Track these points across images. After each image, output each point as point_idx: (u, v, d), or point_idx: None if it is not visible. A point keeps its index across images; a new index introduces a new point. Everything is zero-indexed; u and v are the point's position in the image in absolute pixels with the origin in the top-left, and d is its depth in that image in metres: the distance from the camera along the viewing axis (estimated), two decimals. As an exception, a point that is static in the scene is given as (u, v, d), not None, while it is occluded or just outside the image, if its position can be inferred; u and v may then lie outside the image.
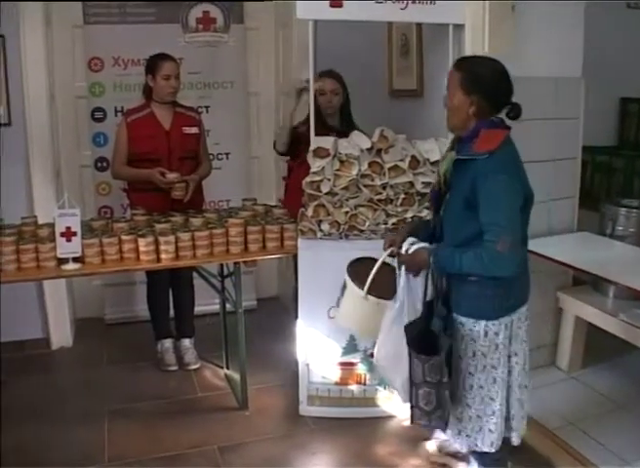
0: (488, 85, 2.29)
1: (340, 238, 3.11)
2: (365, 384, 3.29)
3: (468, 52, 3.31)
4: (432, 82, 3.66)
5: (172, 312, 4.01)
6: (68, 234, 2.93)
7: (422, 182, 3.07)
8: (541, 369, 3.62)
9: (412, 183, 3.08)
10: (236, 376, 3.49)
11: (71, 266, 2.97)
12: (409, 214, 3.09)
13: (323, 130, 3.29)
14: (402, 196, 3.08)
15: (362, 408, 3.30)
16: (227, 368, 3.82)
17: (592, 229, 3.69)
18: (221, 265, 3.57)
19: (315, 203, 3.07)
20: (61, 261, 2.98)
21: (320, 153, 3.03)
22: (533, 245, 3.40)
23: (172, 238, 3.04)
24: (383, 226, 3.10)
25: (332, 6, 3.10)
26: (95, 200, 4.44)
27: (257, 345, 3.87)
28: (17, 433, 3.24)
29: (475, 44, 3.27)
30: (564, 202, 3.67)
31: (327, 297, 3.10)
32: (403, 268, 2.44)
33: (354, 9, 3.12)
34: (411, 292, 2.46)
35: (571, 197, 3.71)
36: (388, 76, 4.13)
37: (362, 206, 3.09)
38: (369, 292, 2.52)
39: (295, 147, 3.50)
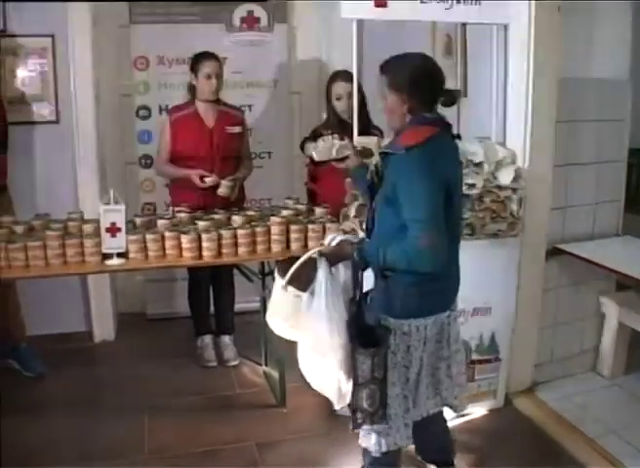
0: (411, 82, 2.28)
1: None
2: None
3: (513, 52, 3.30)
4: (476, 82, 3.63)
5: (212, 309, 4.05)
6: (113, 230, 2.98)
7: (466, 184, 3.02)
8: (582, 375, 3.58)
9: (455, 184, 3.05)
10: (274, 374, 3.52)
11: (115, 261, 3.02)
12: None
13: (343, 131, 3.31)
14: (444, 197, 3.05)
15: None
16: (266, 365, 3.85)
17: (638, 233, 3.63)
18: (262, 263, 3.58)
19: (358, 203, 3.06)
20: (106, 256, 3.02)
21: (364, 153, 3.03)
22: (576, 248, 3.39)
23: (214, 235, 3.06)
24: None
25: (376, 5, 3.10)
26: (138, 196, 4.51)
27: (295, 343, 3.87)
28: (58, 424, 3.31)
29: (520, 45, 3.25)
30: (609, 205, 3.63)
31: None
32: (323, 260, 2.38)
33: (398, 9, 3.11)
34: (336, 287, 2.37)
35: (616, 200, 3.66)
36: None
37: (405, 206, 3.07)
38: (289, 283, 2.44)
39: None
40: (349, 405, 2.36)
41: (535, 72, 3.24)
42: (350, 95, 3.40)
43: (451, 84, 3.85)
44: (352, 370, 2.30)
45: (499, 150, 3.21)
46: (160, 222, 3.18)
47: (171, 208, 3.69)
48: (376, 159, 2.45)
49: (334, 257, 2.40)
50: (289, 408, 3.44)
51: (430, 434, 2.63)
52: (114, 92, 4.49)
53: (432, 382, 2.49)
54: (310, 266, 2.41)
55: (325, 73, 4.38)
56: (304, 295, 2.40)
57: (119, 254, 3.02)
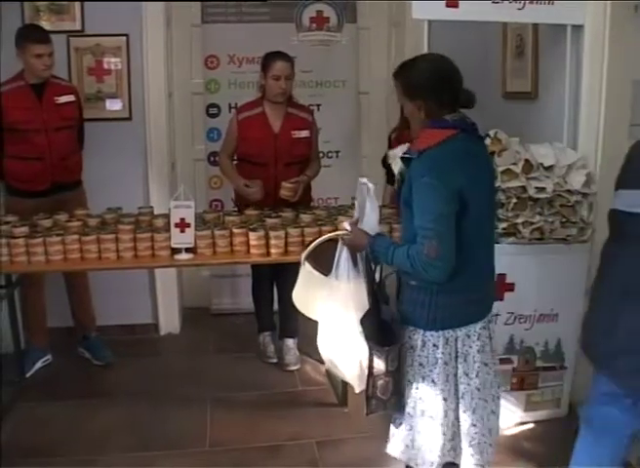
0: (423, 87, 2.22)
1: (450, 241, 3.07)
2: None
3: (587, 54, 3.23)
4: (548, 84, 3.57)
5: (276, 306, 4.08)
6: (182, 225, 3.04)
7: (536, 187, 2.99)
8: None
9: (524, 188, 3.00)
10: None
11: (184, 256, 3.08)
12: (520, 220, 3.02)
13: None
14: (514, 200, 3.00)
15: (461, 413, 3.26)
16: (328, 364, 3.86)
17: None
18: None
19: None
20: (174, 251, 3.09)
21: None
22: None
23: (282, 233, 3.08)
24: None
25: (447, 6, 3.09)
26: (206, 193, 4.60)
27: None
28: (124, 411, 3.42)
29: (595, 46, 3.19)
30: None
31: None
32: (343, 245, 2.38)
33: (470, 9, 3.09)
34: (360, 274, 2.38)
35: None
36: (502, 77, 4.04)
37: (473, 209, 3.05)
38: (307, 260, 2.48)
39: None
40: (367, 391, 2.33)
41: (609, 74, 3.17)
42: None
43: (521, 86, 3.81)
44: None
45: (570, 154, 3.15)
46: (229, 219, 3.23)
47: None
48: (398, 166, 2.42)
49: (351, 244, 2.38)
50: (350, 407, 3.43)
51: None
52: (185, 90, 4.58)
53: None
54: (332, 249, 2.42)
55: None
56: (328, 279, 2.42)
57: (187, 250, 3.08)
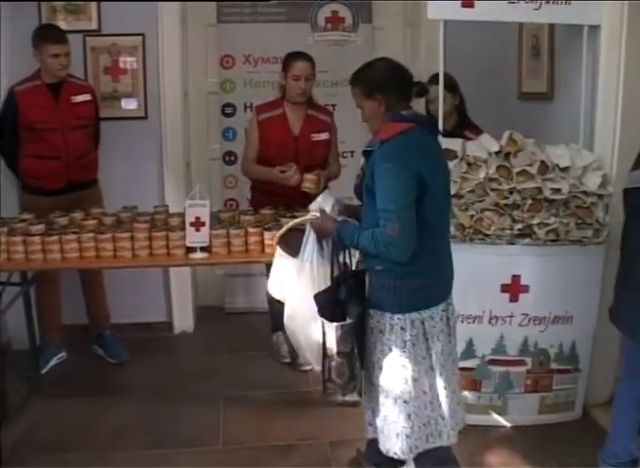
0: (381, 83, 2.41)
1: (465, 241, 3.06)
2: (480, 391, 3.23)
3: (604, 54, 3.21)
4: (564, 85, 3.56)
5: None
6: (197, 224, 3.05)
7: (551, 189, 2.98)
8: None
9: (540, 189, 2.99)
10: (350, 373, 3.52)
11: (199, 255, 3.09)
12: (535, 221, 3.00)
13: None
14: (529, 202, 3.00)
15: (475, 415, 3.22)
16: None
17: None
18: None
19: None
20: (189, 250, 3.11)
21: (448, 155, 3.01)
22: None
23: (296, 233, 3.09)
24: (509, 232, 3.04)
25: (463, 6, 3.09)
26: (221, 192, 4.61)
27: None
28: (138, 408, 3.44)
29: (611, 46, 3.17)
30: None
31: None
32: (311, 230, 2.53)
33: (486, 9, 3.09)
34: (324, 258, 2.51)
35: None
36: (517, 78, 4.04)
37: (488, 210, 3.03)
38: (279, 244, 2.66)
39: None
40: (322, 373, 2.46)
41: (625, 74, 3.15)
42: (445, 98, 3.44)
43: (537, 86, 3.80)
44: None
45: (585, 155, 3.14)
46: (244, 218, 3.24)
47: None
48: (362, 161, 2.58)
49: (318, 229, 2.52)
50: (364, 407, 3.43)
51: None
52: (201, 89, 4.59)
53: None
54: (301, 233, 2.57)
55: (414, 72, 4.36)
56: (295, 261, 2.56)
57: (202, 248, 3.09)
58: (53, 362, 3.89)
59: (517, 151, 3.03)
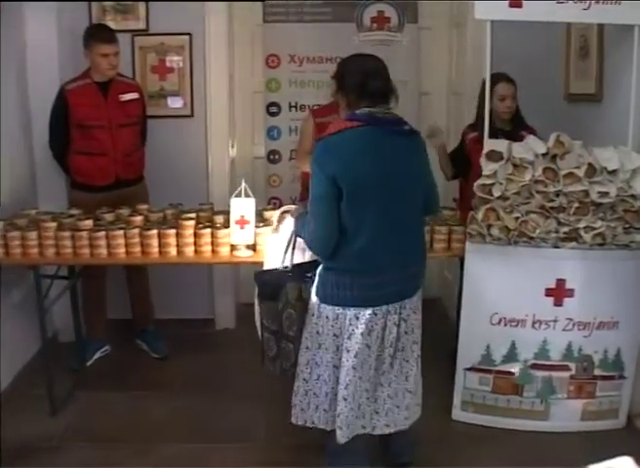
0: (347, 80, 2.52)
1: (509, 244, 3.03)
2: (522, 395, 3.20)
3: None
4: (613, 86, 3.48)
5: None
6: (242, 222, 3.09)
7: (598, 192, 2.93)
8: None
9: (587, 192, 2.95)
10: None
11: (244, 253, 3.13)
12: (582, 224, 2.96)
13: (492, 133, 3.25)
14: (575, 205, 2.96)
15: (516, 419, 3.21)
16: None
17: None
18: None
19: (486, 206, 3.01)
20: (234, 247, 3.15)
21: (493, 156, 2.99)
22: None
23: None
24: (554, 235, 3.01)
25: (511, 6, 3.05)
26: (265, 191, 4.64)
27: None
28: (179, 403, 3.49)
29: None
30: None
31: (491, 302, 3.10)
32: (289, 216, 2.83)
33: (534, 9, 3.04)
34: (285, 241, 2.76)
35: None
36: (565, 79, 3.97)
37: (533, 212, 3.00)
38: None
39: (463, 166, 3.52)
40: (260, 341, 2.81)
41: (677, 75, 3.09)
42: (513, 96, 3.47)
43: (585, 87, 3.74)
44: None
45: (634, 158, 3.07)
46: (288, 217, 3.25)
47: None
48: None
49: (293, 214, 2.79)
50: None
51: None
52: (246, 88, 4.63)
53: (370, 395, 2.63)
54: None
55: (459, 73, 4.35)
56: (275, 236, 2.90)
57: (247, 246, 3.12)
58: (97, 355, 3.97)
59: (564, 153, 2.99)
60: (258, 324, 2.87)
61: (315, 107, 3.88)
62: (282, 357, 2.72)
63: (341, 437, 2.61)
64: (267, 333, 2.75)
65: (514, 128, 3.50)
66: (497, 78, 3.41)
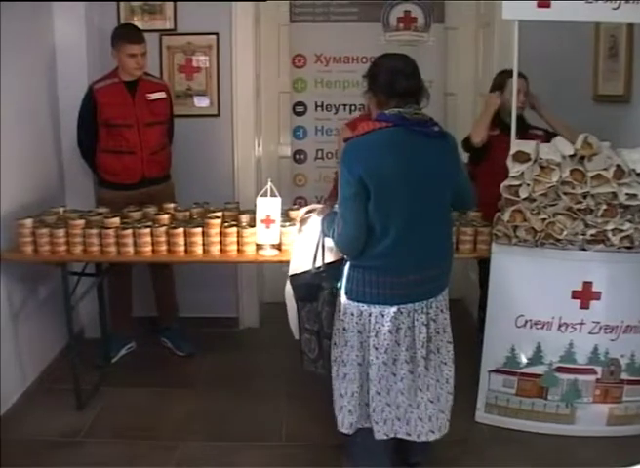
0: (376, 80, 2.51)
1: (536, 245, 3.01)
2: (546, 398, 3.17)
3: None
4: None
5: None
6: (268, 221, 3.09)
7: (627, 194, 2.90)
8: None
9: (615, 194, 2.91)
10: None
11: (269, 252, 3.14)
12: (609, 227, 2.93)
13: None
14: (603, 207, 2.93)
15: (540, 422, 3.19)
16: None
17: None
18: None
19: (512, 208, 2.99)
20: (259, 247, 3.16)
21: (520, 157, 2.97)
22: None
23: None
24: (581, 237, 2.98)
25: (539, 6, 3.02)
26: (291, 190, 4.65)
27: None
28: (202, 401, 3.51)
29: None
30: None
31: (516, 304, 3.08)
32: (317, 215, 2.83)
33: (562, 9, 3.01)
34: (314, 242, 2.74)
35: None
36: (593, 80, 3.92)
37: (560, 214, 2.97)
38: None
39: (483, 152, 3.48)
40: (300, 344, 2.82)
41: None
42: (525, 91, 3.45)
43: (614, 88, 3.69)
44: None
45: (664, 160, 3.04)
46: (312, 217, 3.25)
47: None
48: None
49: (320, 213, 2.81)
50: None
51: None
52: (272, 88, 4.65)
53: (412, 401, 2.62)
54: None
55: (486, 73, 4.33)
56: (301, 236, 2.90)
57: (272, 246, 3.13)
58: (122, 352, 4.01)
59: (592, 155, 2.96)
60: (292, 326, 2.87)
61: (348, 122, 3.88)
62: (325, 356, 2.71)
63: (379, 433, 2.61)
64: (308, 335, 2.74)
65: (523, 123, 3.47)
66: (509, 73, 3.40)
